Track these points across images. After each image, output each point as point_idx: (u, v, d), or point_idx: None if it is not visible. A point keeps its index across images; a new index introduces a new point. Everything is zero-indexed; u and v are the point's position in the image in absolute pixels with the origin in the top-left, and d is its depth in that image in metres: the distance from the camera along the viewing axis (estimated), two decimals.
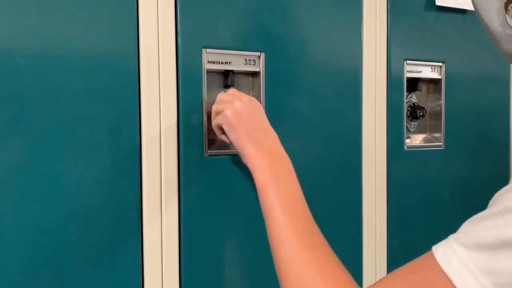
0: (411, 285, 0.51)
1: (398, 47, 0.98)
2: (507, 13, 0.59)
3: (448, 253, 0.49)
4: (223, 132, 0.74)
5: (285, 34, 0.85)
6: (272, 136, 0.71)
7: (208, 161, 0.78)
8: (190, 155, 0.77)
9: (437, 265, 0.49)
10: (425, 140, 1.05)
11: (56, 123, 0.67)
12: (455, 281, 0.47)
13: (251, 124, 0.70)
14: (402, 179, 1.00)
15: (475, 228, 0.49)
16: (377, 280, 0.56)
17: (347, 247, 0.94)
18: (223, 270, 0.81)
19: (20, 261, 0.66)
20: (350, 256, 0.94)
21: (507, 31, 0.59)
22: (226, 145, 0.79)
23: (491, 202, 0.51)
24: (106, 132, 0.71)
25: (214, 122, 0.74)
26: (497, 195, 0.51)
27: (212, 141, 0.79)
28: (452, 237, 0.50)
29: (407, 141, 1.01)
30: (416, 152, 1.02)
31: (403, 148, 1.00)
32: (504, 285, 0.45)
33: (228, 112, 0.70)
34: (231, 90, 0.76)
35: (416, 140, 1.05)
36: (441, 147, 1.04)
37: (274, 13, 0.84)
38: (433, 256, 0.50)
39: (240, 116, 0.70)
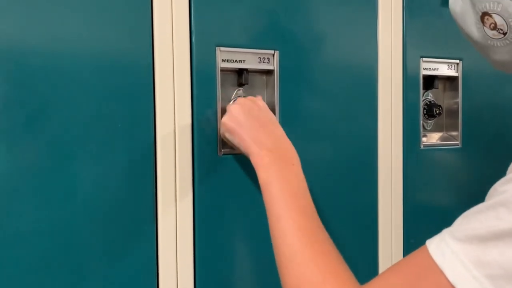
0: (405, 278, 0.51)
1: (414, 45, 0.96)
2: (484, 25, 0.59)
3: (441, 246, 0.49)
4: None
5: (299, 32, 0.85)
6: (273, 131, 0.71)
7: (222, 160, 0.78)
8: (204, 154, 0.77)
9: (430, 258, 0.49)
10: (441, 139, 1.04)
11: (71, 122, 0.68)
12: (447, 273, 0.47)
13: (249, 124, 0.71)
14: (419, 178, 0.98)
15: (468, 221, 0.49)
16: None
17: (363, 248, 0.93)
18: (236, 268, 0.81)
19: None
20: (366, 256, 0.93)
21: (489, 41, 0.60)
22: None
23: (488, 195, 0.52)
24: (121, 131, 0.71)
25: (220, 133, 0.76)
26: (492, 189, 0.51)
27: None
28: (445, 230, 0.51)
29: (424, 139, 1.00)
30: (433, 151, 1.00)
31: (420, 147, 0.98)
32: (496, 277, 0.45)
33: (224, 119, 0.73)
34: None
35: (432, 138, 1.03)
36: (458, 145, 1.03)
37: (288, 11, 0.84)
38: (426, 249, 0.50)
39: (236, 119, 0.71)
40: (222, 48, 0.77)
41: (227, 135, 0.74)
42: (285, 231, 0.62)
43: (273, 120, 0.74)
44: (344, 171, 0.90)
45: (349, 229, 0.91)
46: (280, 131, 0.72)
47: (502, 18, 0.57)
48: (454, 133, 1.04)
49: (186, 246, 0.76)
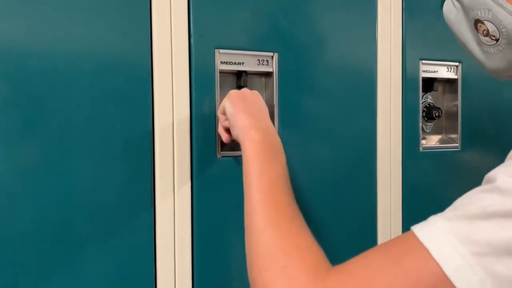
0: (387, 256, 0.49)
1: (413, 47, 0.96)
2: (478, 32, 0.60)
3: (426, 225, 0.48)
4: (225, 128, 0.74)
5: (298, 34, 0.85)
6: (268, 120, 0.71)
7: (221, 162, 0.78)
8: (203, 157, 0.76)
9: (415, 238, 0.47)
10: (441, 141, 1.04)
11: (69, 123, 0.67)
12: (432, 250, 0.46)
13: (251, 104, 0.70)
14: (418, 181, 0.98)
15: (459, 202, 0.49)
16: None
17: (361, 250, 0.92)
18: (234, 273, 0.81)
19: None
20: None
21: (483, 48, 0.61)
22: (239, 146, 0.78)
23: (482, 183, 0.51)
24: (118, 133, 0.71)
25: (220, 107, 0.74)
26: (484, 178, 0.51)
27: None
28: (432, 216, 0.50)
29: (423, 142, 1.00)
30: (432, 153, 1.00)
31: (419, 149, 0.98)
32: (483, 254, 0.44)
33: (232, 91, 0.72)
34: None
35: (432, 141, 1.03)
36: (457, 148, 1.03)
37: (287, 13, 0.84)
38: (412, 231, 0.49)
39: (243, 94, 0.71)
40: (221, 50, 0.77)
41: (227, 105, 0.71)
42: (262, 204, 0.59)
43: (267, 114, 0.73)
44: (343, 174, 0.90)
45: (348, 231, 0.90)
46: (272, 125, 0.71)
47: (494, 24, 0.58)
48: (453, 136, 1.04)
49: (184, 250, 0.76)
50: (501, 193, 0.46)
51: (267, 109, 0.74)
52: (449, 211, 0.49)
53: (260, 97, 0.74)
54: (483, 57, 0.62)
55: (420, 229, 0.48)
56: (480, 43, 0.61)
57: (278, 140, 0.69)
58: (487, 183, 0.49)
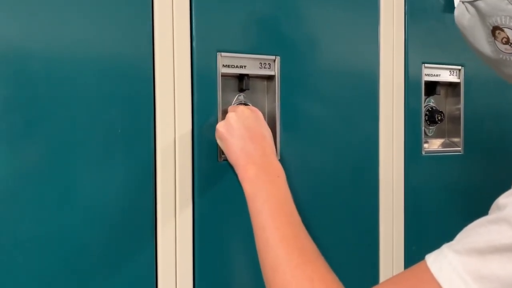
0: None
1: (416, 50, 0.96)
2: (496, 40, 0.58)
3: (439, 258, 0.49)
4: None
5: (300, 38, 0.84)
6: (261, 144, 0.71)
7: (223, 165, 0.78)
8: (204, 160, 0.76)
9: (428, 271, 0.48)
10: (443, 145, 1.03)
11: (71, 127, 0.67)
12: (444, 286, 0.46)
13: (238, 134, 0.71)
14: (420, 185, 0.98)
15: (468, 234, 0.49)
16: None
17: (363, 254, 0.92)
18: (237, 273, 0.81)
19: (36, 264, 0.66)
20: (366, 263, 0.92)
21: (501, 56, 0.58)
22: None
23: (490, 209, 0.51)
24: (121, 136, 0.70)
25: (216, 139, 0.76)
26: (494, 203, 0.51)
27: None
28: (445, 244, 0.50)
29: (425, 146, 1.00)
30: (435, 157, 1.00)
31: (421, 153, 0.98)
32: None
33: (218, 125, 0.73)
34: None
35: (434, 145, 1.03)
36: (460, 152, 1.02)
37: (289, 16, 0.83)
38: (425, 263, 0.50)
39: (228, 127, 0.72)
40: (223, 54, 0.77)
41: (219, 142, 0.74)
42: (270, 241, 0.61)
43: (265, 135, 0.73)
44: (345, 178, 0.89)
45: (350, 236, 0.90)
46: (269, 147, 0.72)
47: None
48: (456, 140, 1.03)
49: (186, 255, 0.75)
50: (510, 226, 0.45)
51: (262, 123, 0.73)
52: (458, 241, 0.49)
53: (251, 112, 0.73)
54: (500, 64, 0.59)
55: (433, 261, 0.49)
56: (497, 51, 0.58)
57: (274, 162, 0.70)
58: (496, 210, 0.49)
